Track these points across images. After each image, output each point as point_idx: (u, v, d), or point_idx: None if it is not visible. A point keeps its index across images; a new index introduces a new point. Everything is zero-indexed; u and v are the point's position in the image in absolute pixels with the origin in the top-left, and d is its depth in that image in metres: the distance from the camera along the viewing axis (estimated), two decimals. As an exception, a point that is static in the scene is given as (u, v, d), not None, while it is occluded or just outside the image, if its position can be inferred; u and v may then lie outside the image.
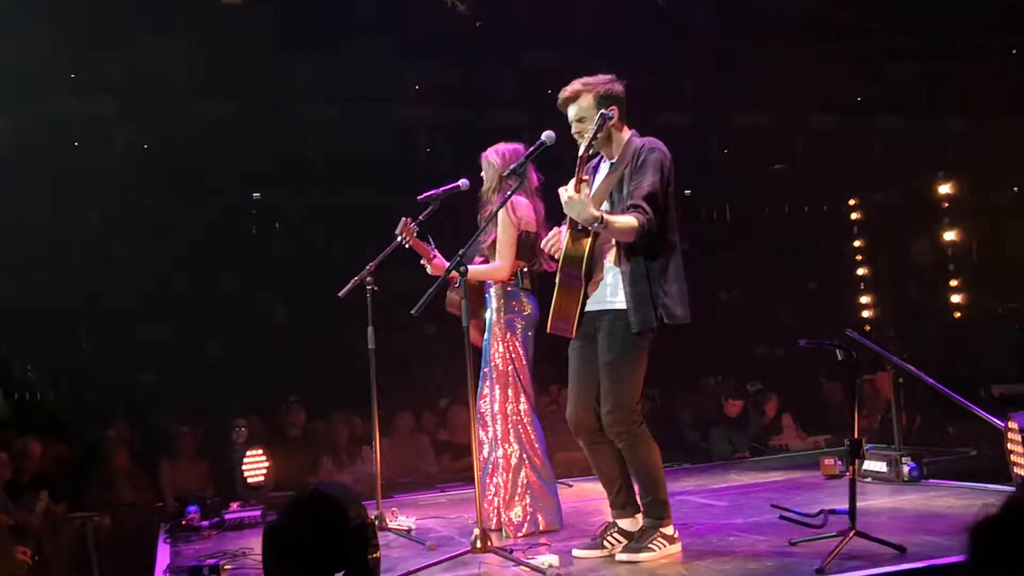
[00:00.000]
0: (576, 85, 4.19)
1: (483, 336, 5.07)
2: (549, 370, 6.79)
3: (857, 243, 12.08)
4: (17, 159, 8.26)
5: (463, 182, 5.04)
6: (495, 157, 5.04)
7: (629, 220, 3.93)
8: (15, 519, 6.31)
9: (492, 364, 4.98)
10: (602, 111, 4.02)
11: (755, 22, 9.69)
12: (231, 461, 6.58)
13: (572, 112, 4.19)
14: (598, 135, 4.00)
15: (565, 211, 3.92)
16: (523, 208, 4.93)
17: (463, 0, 8.29)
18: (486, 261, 5.05)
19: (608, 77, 4.21)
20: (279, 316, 9.96)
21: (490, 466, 4.96)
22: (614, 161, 4.24)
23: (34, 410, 8.38)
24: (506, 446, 4.94)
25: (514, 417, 4.96)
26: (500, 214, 4.85)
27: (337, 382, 8.34)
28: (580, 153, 3.93)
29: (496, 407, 4.96)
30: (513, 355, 4.97)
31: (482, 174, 5.08)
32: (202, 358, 8.99)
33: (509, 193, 4.44)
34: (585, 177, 3.90)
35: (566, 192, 3.84)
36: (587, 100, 4.15)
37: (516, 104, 9.94)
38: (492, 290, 5.05)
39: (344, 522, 3.37)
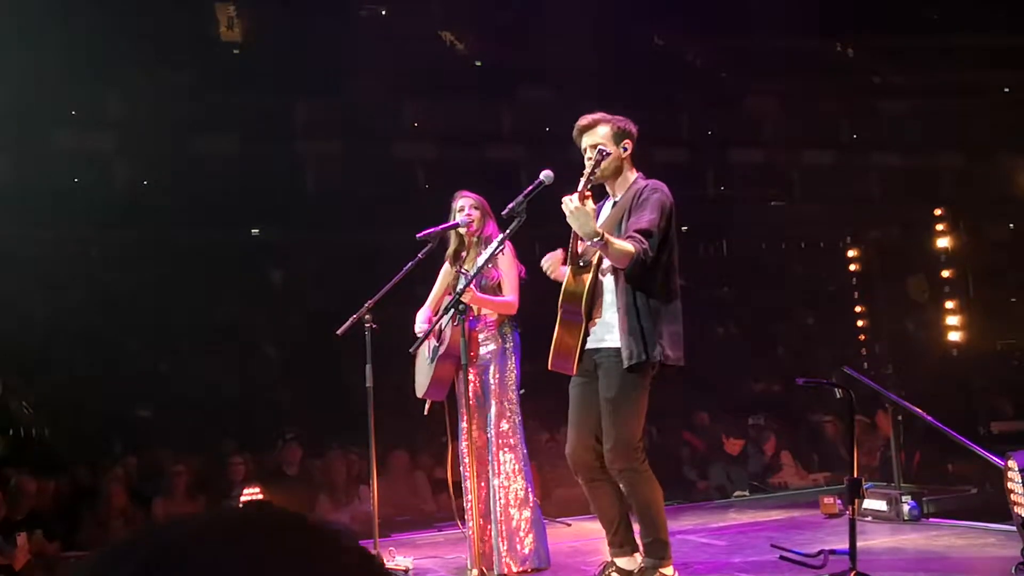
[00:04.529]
0: (595, 115, 4.20)
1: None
2: (548, 407, 6.76)
3: (854, 279, 12.08)
4: (17, 194, 8.28)
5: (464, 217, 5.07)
6: (483, 203, 5.09)
7: (626, 245, 3.90)
8: (7, 559, 6.23)
9: (496, 402, 4.96)
10: (600, 147, 4.01)
11: (752, 60, 9.79)
12: (228, 499, 6.54)
13: (587, 140, 4.17)
14: (596, 169, 3.99)
15: (568, 222, 3.84)
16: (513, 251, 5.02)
17: (461, 39, 8.37)
18: None
19: (624, 117, 4.22)
20: (276, 353, 9.94)
21: (500, 500, 4.90)
22: (618, 199, 4.24)
23: (29, 447, 8.32)
24: (517, 478, 4.92)
25: (518, 451, 4.95)
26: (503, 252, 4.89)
27: (334, 420, 8.30)
28: (579, 188, 3.86)
29: (501, 440, 4.94)
30: (511, 391, 4.98)
31: (463, 214, 5.06)
32: (199, 394, 8.95)
33: (509, 232, 4.44)
34: (587, 193, 3.89)
35: (571, 203, 3.77)
36: (604, 129, 4.15)
37: (514, 141, 10.00)
38: (491, 331, 5.03)
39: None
